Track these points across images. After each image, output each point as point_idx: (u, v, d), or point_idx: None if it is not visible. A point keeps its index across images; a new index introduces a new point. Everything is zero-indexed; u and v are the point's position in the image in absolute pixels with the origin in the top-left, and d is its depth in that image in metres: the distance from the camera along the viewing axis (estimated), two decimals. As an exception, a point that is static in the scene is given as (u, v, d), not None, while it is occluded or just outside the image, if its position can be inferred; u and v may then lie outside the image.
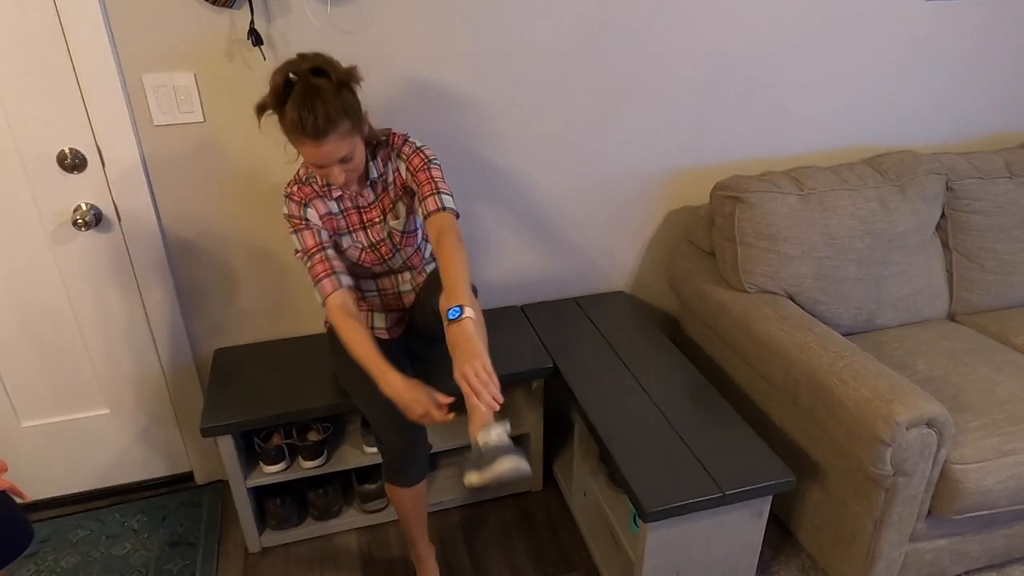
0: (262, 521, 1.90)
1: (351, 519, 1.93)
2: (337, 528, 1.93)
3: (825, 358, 1.60)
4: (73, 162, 1.65)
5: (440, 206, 1.50)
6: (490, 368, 1.30)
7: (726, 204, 1.94)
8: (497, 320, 2.06)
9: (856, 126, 2.23)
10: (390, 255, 1.64)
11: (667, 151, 2.09)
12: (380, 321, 1.74)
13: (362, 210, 1.59)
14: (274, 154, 1.77)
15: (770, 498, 1.52)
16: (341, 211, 1.59)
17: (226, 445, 1.70)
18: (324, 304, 1.51)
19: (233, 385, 1.79)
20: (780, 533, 1.89)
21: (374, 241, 1.62)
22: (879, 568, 1.59)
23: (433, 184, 1.52)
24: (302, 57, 1.37)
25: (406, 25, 1.72)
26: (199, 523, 1.96)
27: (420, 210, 1.54)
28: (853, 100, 2.18)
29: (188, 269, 1.85)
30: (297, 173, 1.57)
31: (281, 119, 1.37)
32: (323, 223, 1.56)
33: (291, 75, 1.36)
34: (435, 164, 1.54)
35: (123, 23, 1.55)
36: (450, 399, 1.42)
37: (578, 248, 2.17)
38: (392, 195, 1.60)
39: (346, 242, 1.60)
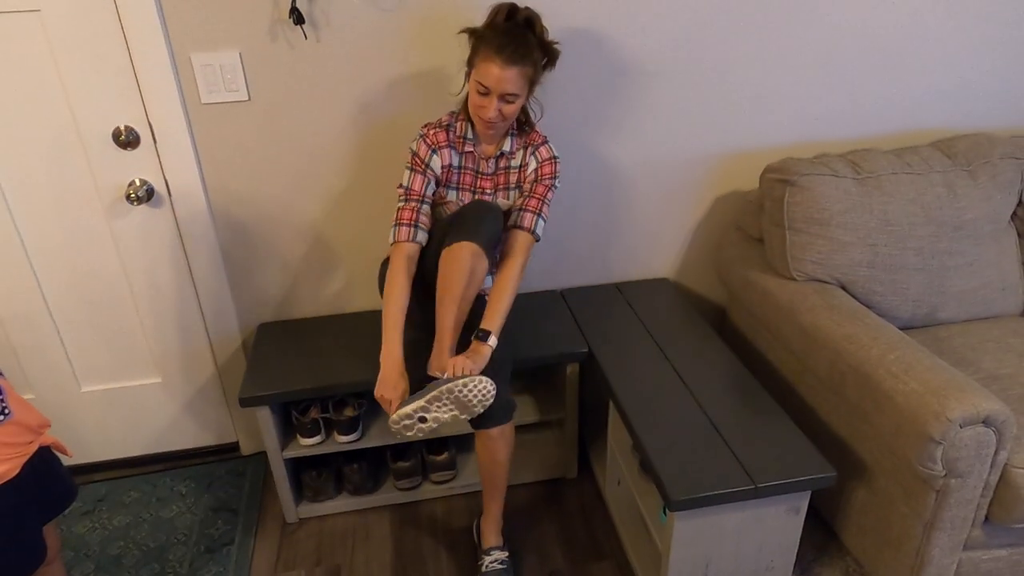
0: (299, 492, 1.95)
1: (385, 496, 1.96)
2: (371, 504, 1.95)
3: (875, 350, 1.51)
4: (127, 139, 1.72)
5: (532, 228, 1.61)
6: (468, 380, 1.44)
7: (776, 187, 1.85)
8: (535, 304, 2.04)
9: (924, 108, 2.09)
10: None
11: (718, 132, 2.01)
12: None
13: (479, 176, 1.64)
14: (318, 131, 1.80)
15: (808, 494, 1.45)
16: (460, 167, 1.62)
17: (264, 416, 1.75)
18: (392, 244, 1.57)
19: (274, 359, 1.84)
20: (825, 534, 1.80)
21: None
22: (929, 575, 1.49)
23: (540, 203, 1.63)
24: (524, 7, 1.51)
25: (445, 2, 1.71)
26: (241, 491, 2.03)
27: (514, 215, 1.63)
28: (920, 79, 2.04)
29: (235, 245, 1.91)
30: (440, 119, 1.61)
31: (481, 39, 1.48)
32: (442, 173, 1.60)
33: (512, 12, 1.50)
34: (556, 186, 1.66)
35: (173, 2, 1.61)
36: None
37: (621, 232, 2.12)
38: (510, 179, 1.65)
39: (451, 195, 1.64)
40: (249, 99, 1.74)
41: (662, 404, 1.61)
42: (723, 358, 1.78)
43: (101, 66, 1.64)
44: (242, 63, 1.69)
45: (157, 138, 1.73)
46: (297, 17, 1.63)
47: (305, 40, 1.69)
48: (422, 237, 1.57)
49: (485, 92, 1.47)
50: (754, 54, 1.92)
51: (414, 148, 1.59)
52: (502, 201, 1.66)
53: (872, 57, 1.97)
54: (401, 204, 1.58)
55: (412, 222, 1.57)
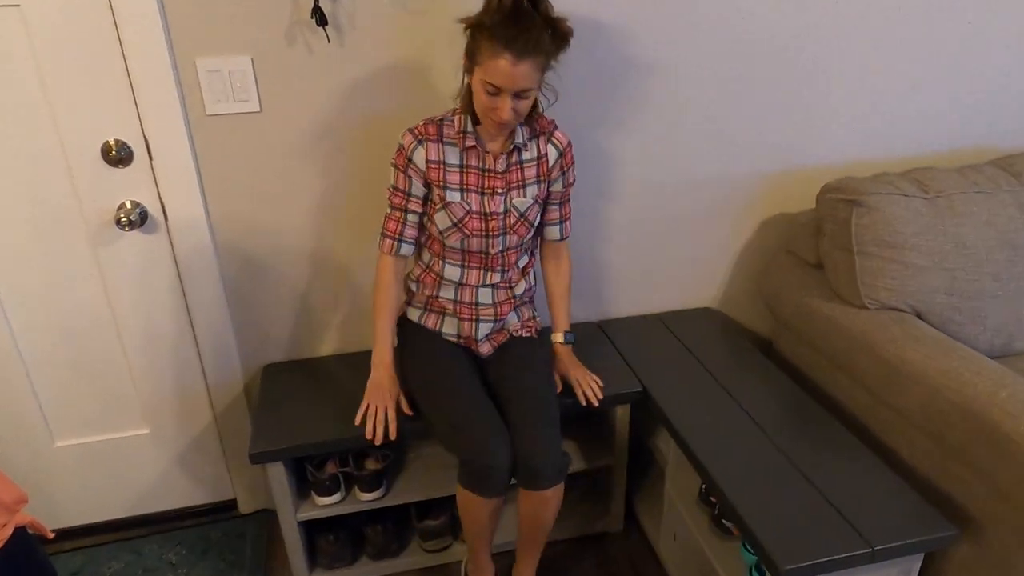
0: (312, 558, 1.70)
1: (411, 559, 1.72)
2: (395, 569, 1.72)
3: (981, 386, 1.35)
4: (119, 155, 1.50)
5: (566, 236, 1.61)
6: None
7: (839, 208, 1.70)
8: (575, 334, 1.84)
9: (973, 124, 1.98)
10: (497, 232, 1.48)
11: (766, 149, 1.87)
12: (451, 326, 1.56)
13: (486, 174, 1.45)
14: (339, 147, 1.60)
15: (922, 556, 1.27)
16: (461, 165, 1.43)
17: (277, 473, 1.51)
18: (378, 251, 1.52)
19: (285, 405, 1.60)
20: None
21: (488, 210, 1.46)
22: (1050, 642, 1.31)
23: (569, 209, 1.59)
24: None
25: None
26: (243, 557, 1.77)
27: (546, 229, 1.59)
28: (970, 95, 1.93)
29: (240, 276, 1.68)
30: (434, 117, 1.44)
31: (482, 31, 1.27)
32: (427, 170, 1.42)
33: None
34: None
35: (177, 0, 1.40)
36: (410, 412, 1.50)
37: (662, 258, 1.95)
38: (525, 175, 1.47)
39: (453, 198, 1.44)
40: (261, 110, 1.53)
41: (737, 449, 1.43)
42: (790, 395, 1.61)
43: (91, 70, 1.42)
44: (254, 69, 1.49)
45: (153, 154, 1.51)
46: (320, 18, 1.44)
47: (328, 44, 1.49)
48: (406, 251, 1.51)
49: (495, 92, 1.29)
50: (806, 67, 1.78)
51: (400, 142, 1.43)
52: (518, 200, 1.47)
53: (917, 71, 1.86)
54: (388, 210, 1.49)
55: (396, 235, 1.49)
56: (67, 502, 1.81)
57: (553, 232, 1.59)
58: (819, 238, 1.79)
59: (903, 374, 1.48)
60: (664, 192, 1.85)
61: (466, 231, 1.45)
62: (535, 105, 1.44)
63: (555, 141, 1.49)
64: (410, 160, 1.42)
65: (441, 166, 1.43)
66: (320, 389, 1.66)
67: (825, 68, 1.80)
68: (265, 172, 1.59)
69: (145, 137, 1.50)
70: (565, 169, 1.51)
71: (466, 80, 1.37)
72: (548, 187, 1.51)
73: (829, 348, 1.70)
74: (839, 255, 1.70)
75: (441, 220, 1.45)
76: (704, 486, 1.52)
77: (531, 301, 1.66)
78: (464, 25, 1.31)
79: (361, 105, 1.57)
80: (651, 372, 1.70)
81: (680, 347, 1.81)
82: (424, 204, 1.47)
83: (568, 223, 1.60)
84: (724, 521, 1.49)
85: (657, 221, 1.89)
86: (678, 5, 1.64)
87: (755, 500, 1.29)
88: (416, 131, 1.41)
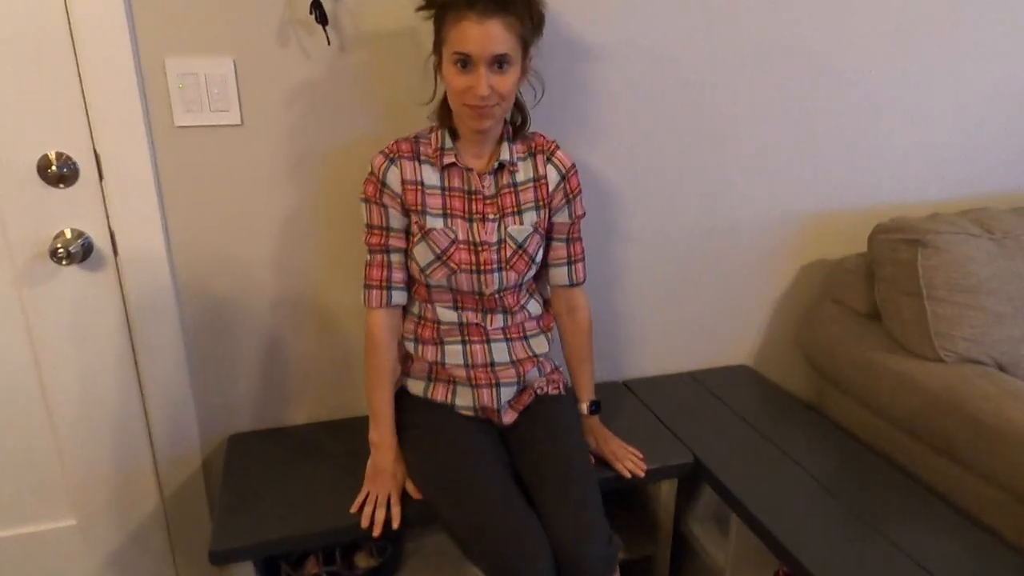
0: None
1: None
2: None
3: (1114, 450, 1.13)
4: (60, 172, 1.21)
5: (581, 280, 1.34)
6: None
7: (900, 249, 1.51)
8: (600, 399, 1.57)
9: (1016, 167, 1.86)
10: (490, 267, 1.21)
11: (803, 187, 1.69)
12: (465, 397, 1.27)
13: (472, 197, 1.20)
14: (332, 172, 1.35)
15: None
16: (443, 187, 1.19)
17: (245, 574, 1.17)
18: (365, 307, 1.24)
19: (255, 486, 1.28)
20: None
21: (477, 240, 1.21)
22: None
23: (580, 249, 1.33)
24: None
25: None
26: None
27: (553, 272, 1.33)
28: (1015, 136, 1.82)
29: (204, 324, 1.38)
30: (407, 135, 1.22)
31: (443, 6, 1.09)
32: (403, 192, 1.18)
33: None
34: None
35: (146, -13, 1.17)
36: (418, 495, 1.21)
37: (690, 309, 1.72)
38: (520, 200, 1.22)
39: (435, 224, 1.19)
40: (242, 123, 1.28)
41: (820, 527, 1.17)
42: (862, 456, 1.37)
43: (30, 68, 1.15)
44: (236, 74, 1.25)
45: (104, 173, 1.23)
46: (320, 14, 1.22)
47: (327, 46, 1.26)
48: (398, 299, 1.24)
49: (466, 62, 1.08)
50: (857, 103, 1.64)
51: (371, 166, 1.19)
52: (513, 228, 1.23)
53: (987, 111, 1.74)
54: (368, 257, 1.23)
55: (382, 284, 1.22)
56: (-38, 618, 1.41)
57: (560, 275, 1.32)
58: (875, 283, 1.60)
59: (1006, 438, 1.26)
60: (693, 234, 1.64)
61: (452, 264, 1.20)
62: (524, 115, 1.23)
63: (556, 162, 1.26)
64: (383, 185, 1.18)
65: (418, 188, 1.18)
66: (299, 465, 1.34)
67: (876, 104, 1.65)
68: (242, 198, 1.32)
69: (95, 151, 1.22)
70: (570, 197, 1.28)
71: (438, 78, 1.16)
72: (550, 216, 1.28)
73: (899, 408, 1.47)
74: (904, 301, 1.50)
75: (422, 254, 1.19)
76: (779, 573, 1.25)
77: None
78: (425, 14, 1.13)
79: (363, 124, 1.33)
80: (700, 440, 1.43)
81: (725, 409, 1.56)
82: (408, 239, 1.22)
83: (580, 265, 1.33)
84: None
85: (684, 266, 1.67)
86: (726, 30, 1.48)
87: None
88: (387, 151, 1.19)
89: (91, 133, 1.21)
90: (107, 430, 1.38)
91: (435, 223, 1.19)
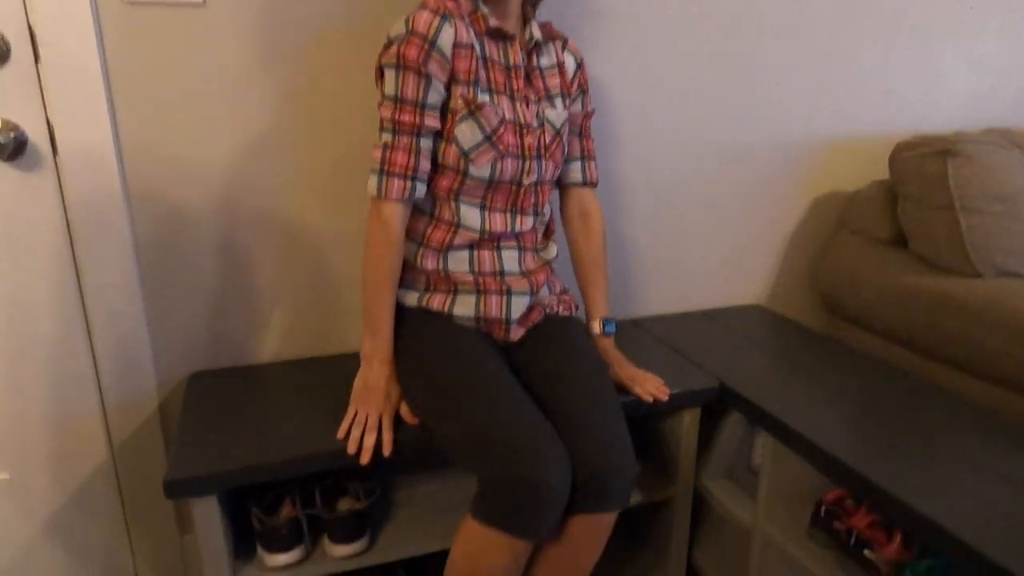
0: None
1: (400, 648, 1.19)
2: (377, 664, 1.18)
3: None
4: (-13, 49, 1.04)
5: (595, 181, 1.23)
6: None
7: (928, 163, 1.41)
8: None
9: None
10: (533, 153, 1.08)
11: (815, 114, 1.58)
12: (465, 306, 1.11)
13: (512, 73, 1.07)
14: (313, 61, 1.19)
15: None
16: (485, 58, 1.04)
17: (208, 513, 0.99)
18: (378, 198, 1.03)
19: (219, 425, 1.10)
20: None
21: (523, 121, 1.07)
22: None
23: (592, 147, 1.23)
24: None
25: None
26: (143, 665, 1.19)
27: (568, 168, 1.21)
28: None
29: (159, 245, 1.20)
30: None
31: None
32: (453, 59, 1.01)
33: None
34: None
35: None
36: (414, 421, 1.05)
37: (698, 246, 1.59)
38: (549, 83, 1.13)
39: (486, 100, 1.04)
40: (204, 2, 1.12)
41: (879, 446, 1.03)
42: (907, 384, 1.24)
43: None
44: (197, -58, 1.09)
45: (41, 54, 1.06)
46: None
47: (303, -89, 1.12)
48: (421, 191, 1.05)
49: None
50: (867, 26, 1.54)
51: (408, 26, 0.98)
52: (550, 113, 1.11)
53: (999, 44, 1.65)
54: (389, 137, 1.02)
55: (406, 172, 1.02)
56: None
57: (575, 172, 1.21)
58: (900, 205, 1.48)
59: (1065, 345, 1.14)
60: (703, 162, 1.52)
61: (500, 147, 1.05)
62: None
63: (572, 50, 1.18)
64: (433, 46, 0.99)
65: (472, 53, 1.03)
66: (272, 404, 1.16)
67: (885, 28, 1.55)
68: (205, 93, 1.16)
69: (30, 26, 1.05)
70: (585, 88, 1.20)
71: None
72: (569, 106, 1.17)
73: (936, 333, 1.36)
74: (935, 218, 1.39)
75: (467, 134, 1.03)
76: (824, 507, 1.09)
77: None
78: None
79: (349, 6, 1.18)
80: (723, 368, 1.29)
81: (745, 341, 1.43)
82: (443, 120, 1.05)
83: (594, 164, 1.23)
84: (866, 552, 1.06)
85: (696, 202, 1.55)
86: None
87: (933, 499, 0.88)
88: (432, 5, 1.00)
89: (25, 6, 1.04)
90: (44, 365, 1.19)
91: (486, 99, 1.04)
